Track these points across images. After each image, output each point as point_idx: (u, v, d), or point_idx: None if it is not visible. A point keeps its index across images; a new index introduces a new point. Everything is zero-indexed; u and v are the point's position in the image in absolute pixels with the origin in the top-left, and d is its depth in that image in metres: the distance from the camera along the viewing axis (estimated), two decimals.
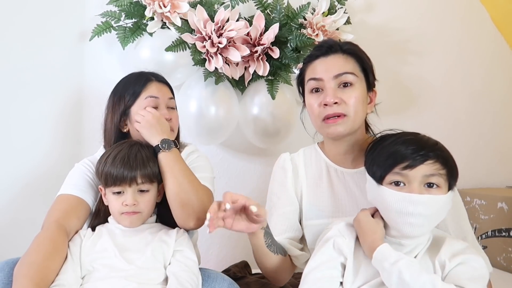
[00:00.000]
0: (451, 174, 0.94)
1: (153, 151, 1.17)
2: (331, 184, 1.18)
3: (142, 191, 1.12)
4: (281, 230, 1.17)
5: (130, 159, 1.10)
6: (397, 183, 0.93)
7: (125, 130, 1.27)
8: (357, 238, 0.99)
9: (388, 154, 0.94)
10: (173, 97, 1.32)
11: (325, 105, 1.09)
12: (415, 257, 0.94)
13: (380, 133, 1.07)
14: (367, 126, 1.22)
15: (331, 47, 1.15)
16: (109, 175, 1.09)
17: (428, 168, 0.91)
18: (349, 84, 1.10)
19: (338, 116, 1.09)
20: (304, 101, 1.21)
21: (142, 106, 1.23)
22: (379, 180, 0.96)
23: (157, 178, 1.15)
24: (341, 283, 0.95)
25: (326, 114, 1.10)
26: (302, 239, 1.22)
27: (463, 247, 0.94)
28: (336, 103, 1.08)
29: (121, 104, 1.26)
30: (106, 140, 1.29)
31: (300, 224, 1.20)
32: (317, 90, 1.13)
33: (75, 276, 1.03)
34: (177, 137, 1.33)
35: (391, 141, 0.97)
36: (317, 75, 1.12)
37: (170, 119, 1.26)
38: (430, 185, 0.92)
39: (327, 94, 1.09)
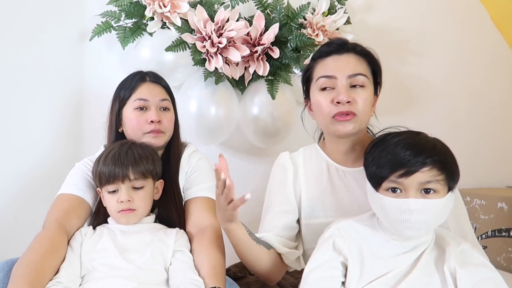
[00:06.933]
0: (450, 177, 0.92)
1: (147, 149, 1.17)
2: (331, 183, 1.17)
3: (136, 188, 1.13)
4: (272, 227, 1.16)
5: (120, 156, 1.12)
6: (393, 190, 0.92)
7: (120, 130, 1.28)
8: (359, 236, 0.98)
9: (385, 161, 0.93)
10: (169, 98, 1.30)
11: (338, 103, 1.07)
12: (419, 255, 0.93)
13: (381, 130, 1.06)
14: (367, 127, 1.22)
15: (344, 44, 1.13)
16: (102, 174, 1.12)
17: (424, 176, 0.89)
18: (360, 86, 1.10)
19: (347, 114, 1.08)
20: (305, 98, 1.20)
21: (132, 108, 1.24)
22: (376, 186, 0.95)
23: (152, 174, 1.15)
24: (343, 283, 0.95)
25: (338, 111, 1.08)
26: (298, 238, 1.21)
27: (480, 260, 0.92)
28: (348, 102, 1.07)
29: (116, 105, 1.28)
30: (107, 139, 1.30)
31: (299, 223, 1.19)
32: (328, 88, 1.11)
33: (74, 274, 1.03)
34: (177, 137, 1.33)
35: (389, 144, 0.94)
36: (330, 73, 1.10)
37: (159, 121, 1.24)
38: (427, 190, 0.90)
39: (341, 92, 1.07)
